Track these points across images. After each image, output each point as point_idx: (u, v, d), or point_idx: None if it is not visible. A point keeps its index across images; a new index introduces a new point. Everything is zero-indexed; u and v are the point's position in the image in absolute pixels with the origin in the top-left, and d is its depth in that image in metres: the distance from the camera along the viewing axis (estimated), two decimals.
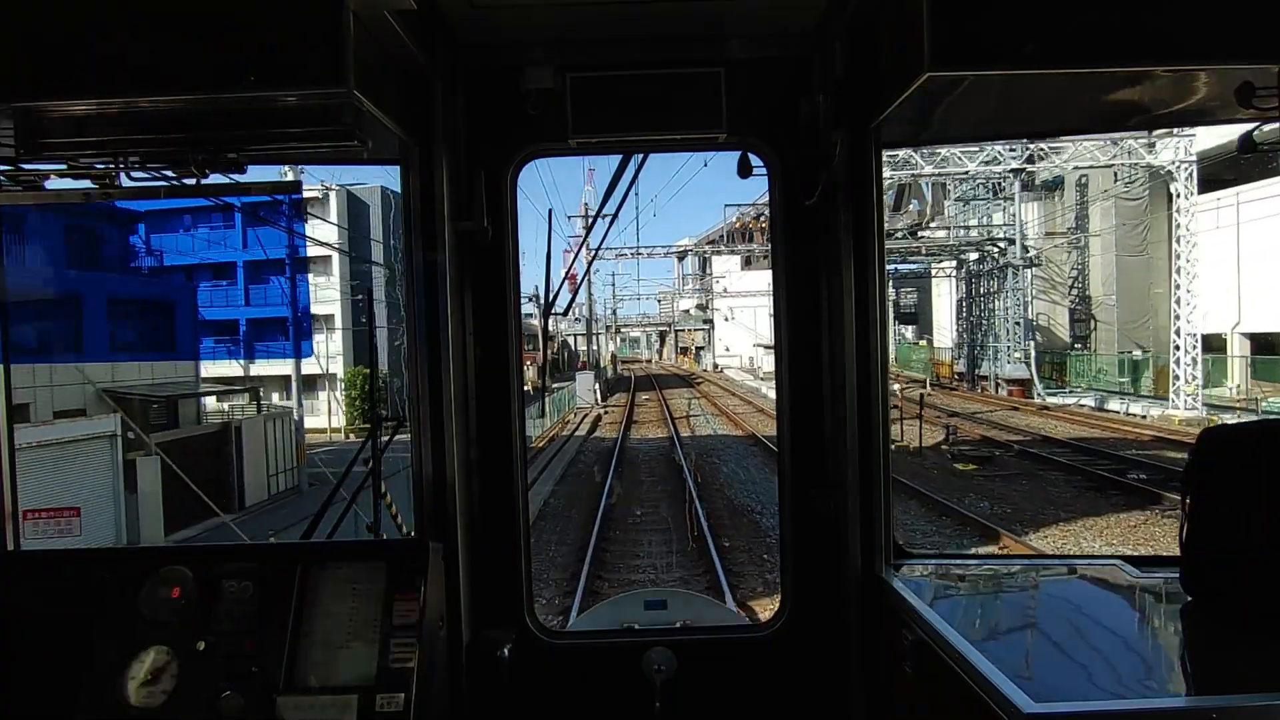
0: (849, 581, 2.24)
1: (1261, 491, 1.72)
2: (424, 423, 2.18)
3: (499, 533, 2.42)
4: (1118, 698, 1.54)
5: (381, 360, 45.14)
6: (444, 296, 2.19)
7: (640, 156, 2.64)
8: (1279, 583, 1.65)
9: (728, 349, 70.22)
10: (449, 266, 2.20)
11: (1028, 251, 34.02)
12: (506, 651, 2.26)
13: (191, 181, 2.02)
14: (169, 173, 2.02)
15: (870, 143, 2.15)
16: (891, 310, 39.73)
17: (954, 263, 41.00)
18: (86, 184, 2.06)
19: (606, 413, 35.80)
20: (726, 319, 68.59)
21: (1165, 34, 1.67)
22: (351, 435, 41.00)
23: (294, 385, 26.99)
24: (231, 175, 2.04)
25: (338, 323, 43.40)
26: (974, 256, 37.75)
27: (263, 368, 45.11)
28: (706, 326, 75.76)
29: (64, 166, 2.01)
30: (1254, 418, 21.68)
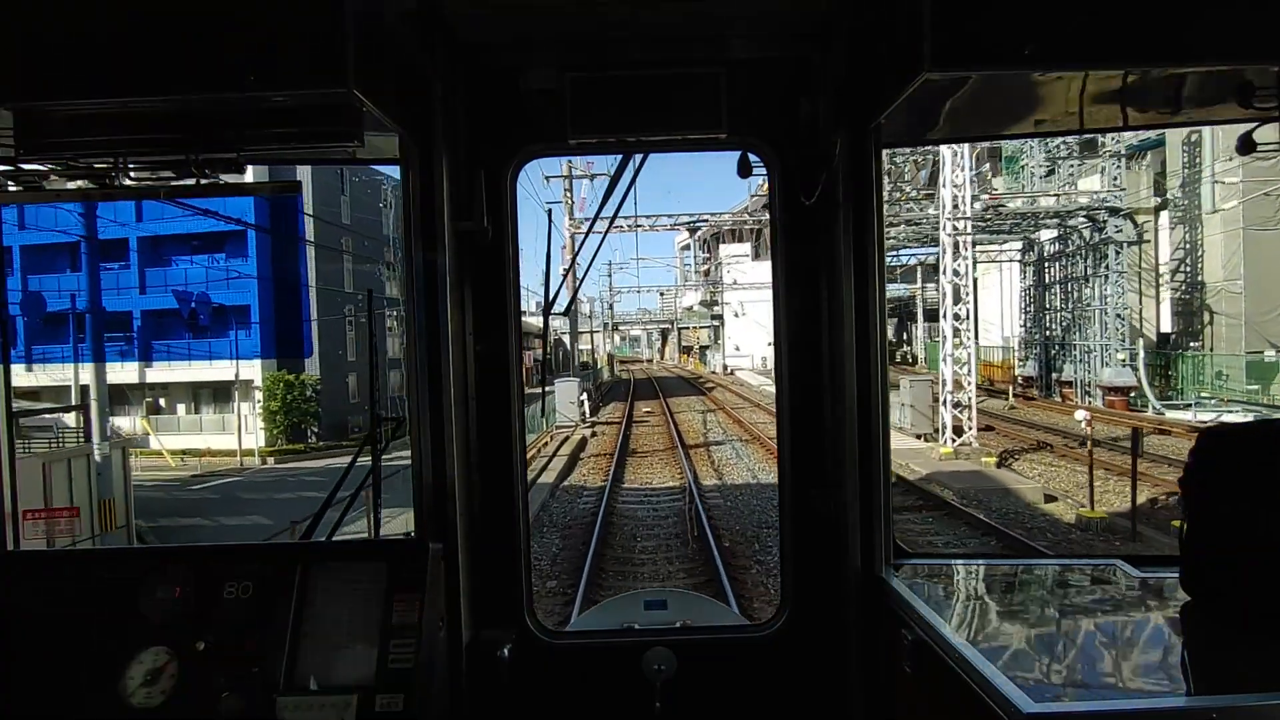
0: (849, 581, 2.80)
1: (1261, 492, 2.16)
2: (424, 423, 2.71)
3: (499, 533, 2.99)
4: (1117, 698, 1.96)
5: (313, 364, 43.75)
6: (444, 296, 2.73)
7: (640, 156, 3.21)
8: (1278, 583, 2.08)
9: (738, 348, 71.69)
10: (449, 266, 2.75)
11: (1136, 224, 33.19)
12: (506, 651, 2.81)
13: (191, 181, 2.56)
14: (168, 173, 2.57)
15: (870, 143, 2.70)
16: (920, 308, 38.33)
17: (1017, 245, 40.05)
18: (86, 184, 2.61)
19: (594, 435, 32.03)
20: (737, 314, 69.79)
21: (1165, 34, 2.14)
22: (270, 459, 38.81)
23: (92, 406, 21.18)
24: (231, 175, 2.59)
25: (254, 315, 42.04)
26: (1049, 235, 36.71)
27: (165, 372, 43.55)
28: (716, 324, 76.59)
29: (64, 166, 2.54)
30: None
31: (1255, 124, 2.55)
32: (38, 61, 2.18)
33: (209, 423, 43.79)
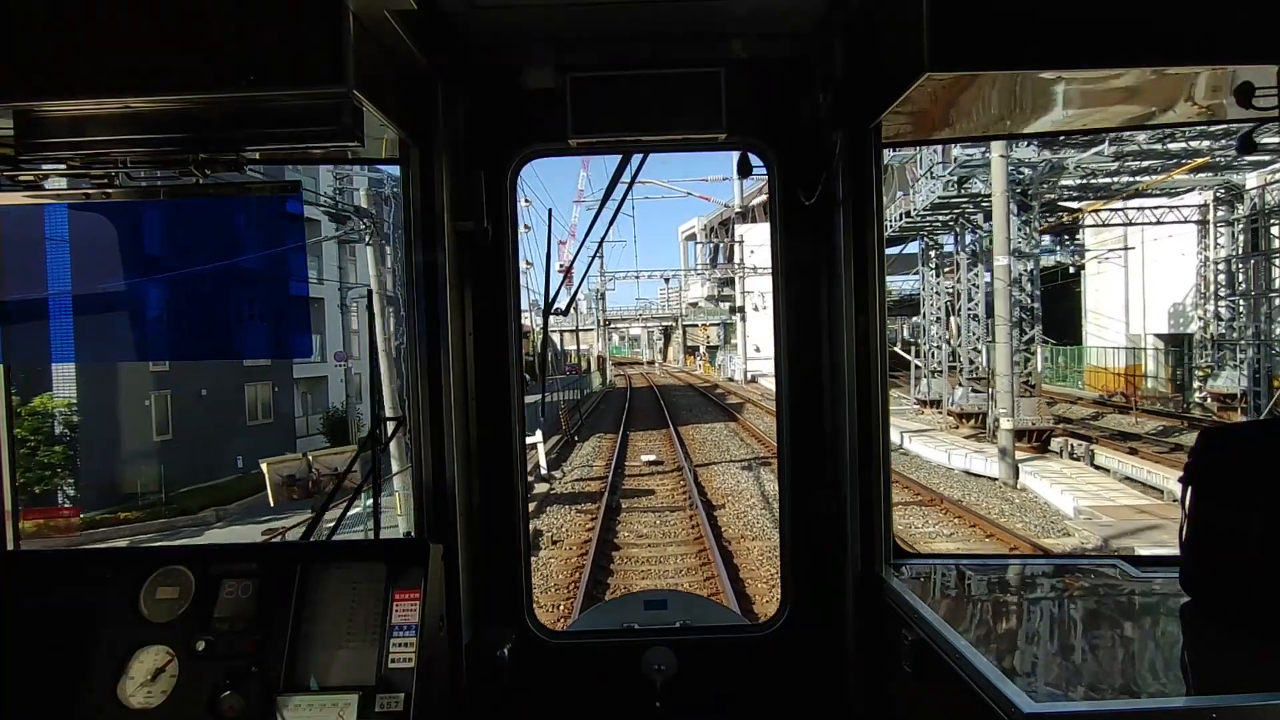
0: (848, 581, 2.84)
1: (1261, 491, 2.19)
2: (424, 423, 2.75)
3: (499, 533, 3.03)
4: (1117, 698, 1.98)
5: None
6: (444, 296, 2.77)
7: (640, 156, 3.24)
8: (1279, 583, 2.11)
9: (757, 349, 62.47)
10: (449, 266, 2.78)
11: None
12: (506, 651, 2.84)
13: (191, 181, 2.58)
14: (169, 173, 2.59)
15: (870, 142, 2.74)
16: (972, 302, 29.42)
17: (1200, 199, 29.67)
18: (86, 184, 2.63)
19: (540, 534, 16.67)
20: (757, 308, 61.48)
21: (1165, 34, 2.17)
22: None
23: None
24: (231, 175, 2.60)
25: None
26: (1259, 181, 26.62)
27: None
28: (734, 318, 69.37)
29: (63, 166, 2.56)
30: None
31: (1255, 124, 2.58)
32: (38, 61, 2.21)
33: None
